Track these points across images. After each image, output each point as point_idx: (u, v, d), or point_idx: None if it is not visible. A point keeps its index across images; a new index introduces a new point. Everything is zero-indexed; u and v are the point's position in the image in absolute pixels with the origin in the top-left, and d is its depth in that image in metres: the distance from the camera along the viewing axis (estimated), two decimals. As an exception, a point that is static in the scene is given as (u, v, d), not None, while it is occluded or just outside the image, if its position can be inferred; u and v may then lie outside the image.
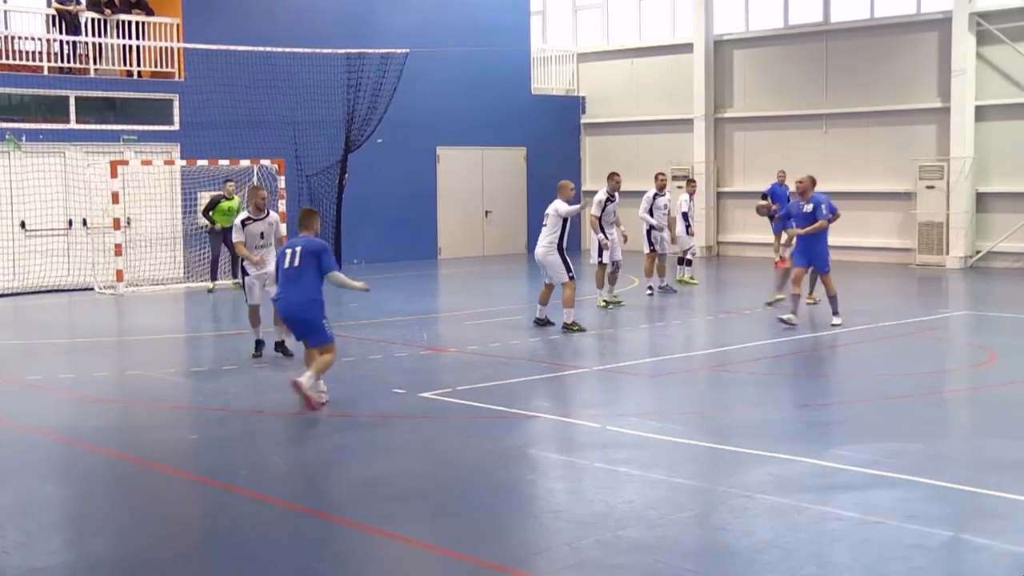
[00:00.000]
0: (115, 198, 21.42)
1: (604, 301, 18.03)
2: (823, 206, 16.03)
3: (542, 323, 16.05)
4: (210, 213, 22.16)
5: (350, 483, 8.59)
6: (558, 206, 15.87)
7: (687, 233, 21.45)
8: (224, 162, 23.00)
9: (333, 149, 25.53)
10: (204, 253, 23.30)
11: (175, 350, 15.59)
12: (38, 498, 8.41)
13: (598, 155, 31.53)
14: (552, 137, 30.69)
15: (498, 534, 7.38)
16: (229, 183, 22.33)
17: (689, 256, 21.91)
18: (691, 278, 21.82)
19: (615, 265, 18.16)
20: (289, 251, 11.24)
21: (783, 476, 8.42)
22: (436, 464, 9.11)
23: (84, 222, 22.59)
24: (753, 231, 27.98)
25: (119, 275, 21.46)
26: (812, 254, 16.19)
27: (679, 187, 23.58)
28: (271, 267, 13.18)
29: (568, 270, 15.78)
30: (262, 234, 14.00)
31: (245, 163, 23.39)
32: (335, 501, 8.14)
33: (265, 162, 23.56)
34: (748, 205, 28.52)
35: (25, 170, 21.96)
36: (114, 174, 21.47)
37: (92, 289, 21.72)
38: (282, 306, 11.37)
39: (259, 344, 13.98)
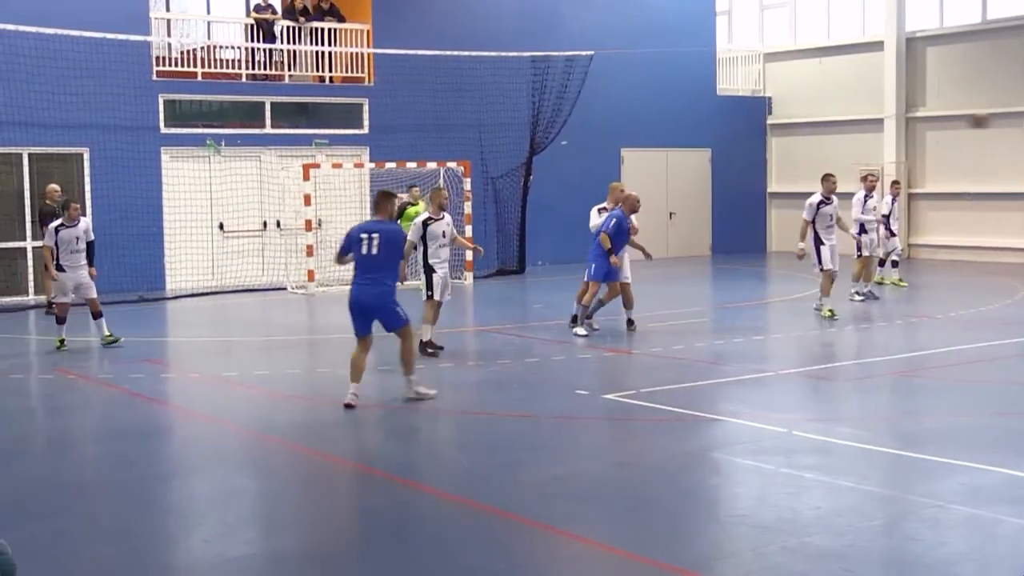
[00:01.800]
0: (307, 200, 22.06)
1: (829, 311, 16.93)
2: None
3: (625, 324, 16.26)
4: (398, 221, 22.30)
5: (533, 483, 8.62)
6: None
7: (891, 235, 20.91)
8: (412, 164, 23.43)
9: (518, 151, 25.74)
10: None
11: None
12: (234, 490, 8.72)
13: (784, 156, 30.98)
14: (737, 138, 30.30)
15: (680, 537, 7.32)
16: (415, 188, 22.38)
17: (895, 257, 21.34)
18: (900, 280, 21.27)
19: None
20: (366, 236, 11.03)
21: (977, 486, 8.12)
22: (619, 466, 9.09)
23: (278, 224, 23.34)
24: (946, 233, 27.08)
25: (310, 275, 22.08)
26: None
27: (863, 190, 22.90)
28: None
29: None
30: (443, 233, 14.20)
31: (432, 165, 23.78)
32: (518, 500, 8.18)
33: (451, 164, 23.91)
34: (942, 207, 27.65)
35: (223, 173, 22.83)
36: (306, 177, 22.12)
37: (285, 288, 22.40)
38: (357, 293, 11.13)
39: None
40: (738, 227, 29.66)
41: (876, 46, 28.58)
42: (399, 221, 22.16)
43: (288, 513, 8.17)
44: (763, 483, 8.51)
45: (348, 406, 11.09)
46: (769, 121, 31.30)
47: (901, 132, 28.23)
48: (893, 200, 21.19)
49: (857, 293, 18.95)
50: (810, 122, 30.19)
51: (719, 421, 10.61)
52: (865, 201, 19.50)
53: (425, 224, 14.32)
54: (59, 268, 15.40)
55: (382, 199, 11.43)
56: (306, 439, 10.34)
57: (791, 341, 15.54)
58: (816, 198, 17.14)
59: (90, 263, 15.52)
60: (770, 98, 31.37)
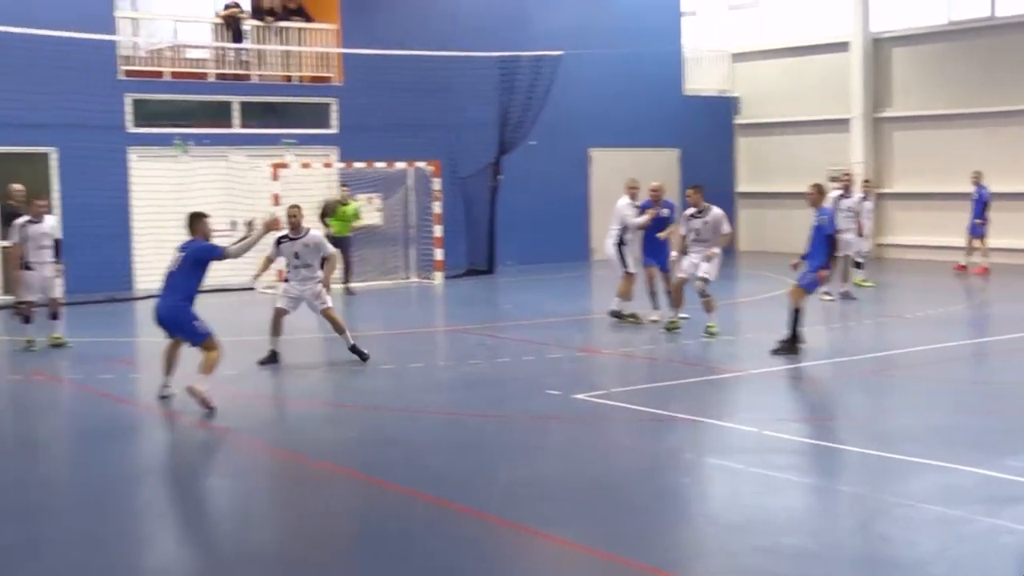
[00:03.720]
0: (275, 200, 21.94)
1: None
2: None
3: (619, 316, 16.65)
4: (326, 219, 21.97)
5: (506, 483, 8.63)
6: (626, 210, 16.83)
7: (858, 235, 20.78)
8: (381, 164, 23.37)
9: (487, 151, 25.72)
10: (362, 253, 23.69)
11: (334, 348, 15.87)
12: (204, 490, 8.69)
13: (752, 156, 31.10)
14: (706, 138, 30.35)
15: (653, 537, 7.33)
16: (344, 187, 22.37)
17: (859, 259, 21.22)
18: (864, 280, 21.29)
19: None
20: (175, 254, 11.70)
21: (949, 486, 8.18)
22: (590, 466, 9.10)
23: (248, 223, 23.15)
24: (914, 233, 27.26)
25: (280, 275, 21.93)
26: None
27: (837, 189, 22.96)
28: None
29: (624, 265, 16.71)
30: (296, 255, 14.20)
31: (401, 165, 23.72)
32: (491, 501, 8.18)
33: (420, 164, 23.86)
34: (909, 207, 27.82)
35: (192, 173, 22.67)
36: (275, 177, 22.02)
37: (254, 289, 22.28)
38: (156, 306, 11.85)
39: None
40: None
41: (843, 47, 28.72)
42: (329, 220, 21.89)
43: (260, 513, 8.14)
44: (734, 483, 8.54)
45: (163, 398, 11.67)
46: (737, 121, 31.40)
47: (869, 132, 28.39)
48: (863, 199, 21.24)
49: (827, 293, 18.97)
50: (778, 122, 30.30)
51: (690, 421, 10.63)
52: (838, 201, 19.54)
53: (279, 242, 14.34)
54: (26, 267, 15.27)
55: (193, 220, 11.99)
56: (277, 439, 10.31)
57: (761, 341, 15.57)
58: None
59: (57, 260, 15.39)
60: (738, 98, 31.47)
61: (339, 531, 7.73)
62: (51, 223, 15.39)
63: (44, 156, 21.52)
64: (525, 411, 11.14)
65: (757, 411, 11.05)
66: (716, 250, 15.79)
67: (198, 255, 11.58)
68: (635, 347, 14.72)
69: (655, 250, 16.74)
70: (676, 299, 16.11)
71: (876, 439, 9.81)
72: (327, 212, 22.12)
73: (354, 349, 13.88)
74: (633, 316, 16.68)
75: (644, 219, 16.56)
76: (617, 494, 8.25)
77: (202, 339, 11.51)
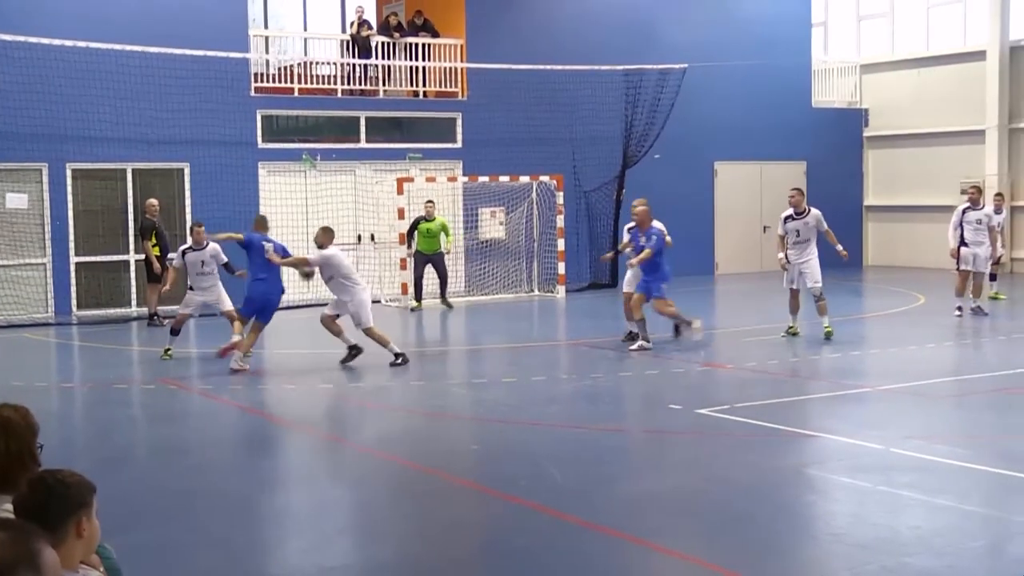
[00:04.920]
0: (401, 214, 22.25)
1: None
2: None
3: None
4: (412, 235, 21.91)
5: (626, 497, 8.61)
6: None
7: (992, 247, 20.28)
8: (504, 178, 23.54)
9: (611, 165, 25.71)
10: (485, 267, 23.90)
11: (457, 361, 16.05)
12: (330, 500, 8.84)
13: (881, 169, 30.52)
14: (833, 151, 29.89)
15: (776, 555, 7.24)
16: (429, 203, 21.98)
17: (993, 271, 20.73)
18: (998, 293, 20.80)
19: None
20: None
21: (1084, 507, 7.92)
22: (712, 481, 9.03)
23: (372, 237, 23.57)
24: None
25: (404, 288, 22.26)
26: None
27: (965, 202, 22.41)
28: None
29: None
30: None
31: (525, 179, 23.86)
32: (611, 514, 8.16)
33: (544, 178, 23.97)
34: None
35: (319, 187, 23.13)
36: (400, 191, 22.32)
37: (379, 302, 22.60)
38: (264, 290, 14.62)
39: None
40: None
41: (978, 55, 28.04)
42: (415, 235, 21.86)
43: (384, 524, 8.25)
44: (860, 501, 8.39)
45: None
46: (866, 133, 30.86)
47: (1004, 143, 27.66)
48: (996, 213, 20.71)
49: (958, 309, 18.53)
50: (909, 134, 29.69)
51: (814, 437, 10.49)
52: (964, 214, 19.07)
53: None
54: (189, 288, 15.99)
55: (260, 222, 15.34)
56: (401, 450, 10.43)
57: (889, 356, 15.30)
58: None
59: (233, 271, 15.99)
60: (867, 110, 30.94)
61: (462, 543, 7.80)
62: (213, 250, 15.94)
63: (179, 171, 22.16)
64: (647, 425, 11.10)
65: (883, 428, 10.82)
66: (840, 248, 16.72)
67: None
68: (759, 362, 14.55)
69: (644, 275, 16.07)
70: (794, 306, 16.56)
71: (1007, 458, 9.53)
72: (413, 228, 22.00)
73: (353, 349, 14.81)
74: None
75: (635, 260, 15.99)
76: (738, 510, 8.17)
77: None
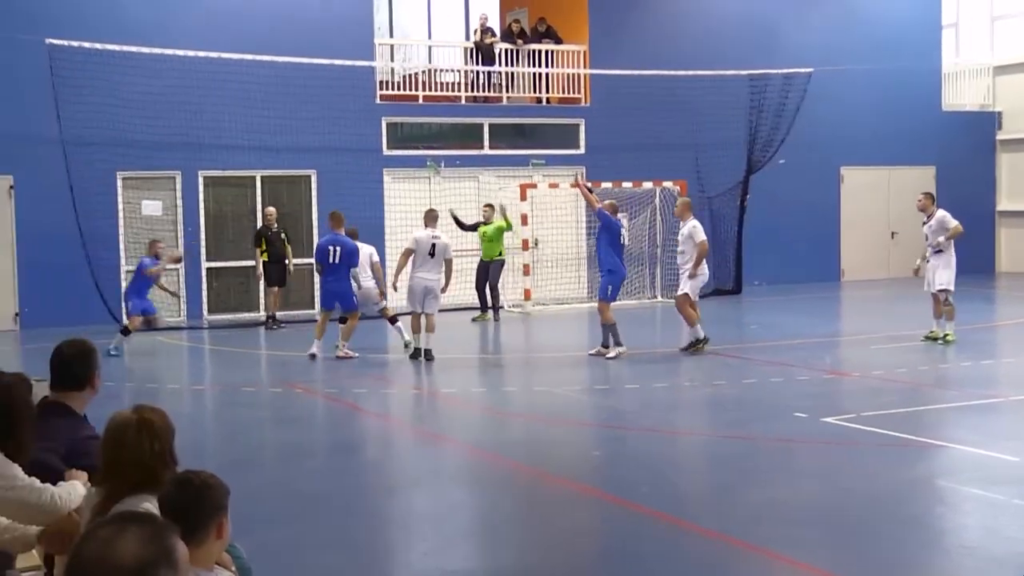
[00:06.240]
0: (524, 220, 22.33)
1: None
2: None
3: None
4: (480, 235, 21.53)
5: (750, 506, 8.51)
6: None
7: None
8: (627, 184, 23.46)
9: (735, 170, 25.46)
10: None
11: (577, 368, 16.02)
12: (452, 505, 8.91)
13: (1015, 173, 29.66)
14: (964, 155, 29.14)
15: (903, 567, 7.10)
16: (487, 207, 21.59)
17: None
18: None
19: None
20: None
21: None
22: (838, 491, 8.88)
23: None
24: None
25: (527, 294, 22.33)
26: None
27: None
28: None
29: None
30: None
31: (648, 185, 23.77)
32: (734, 523, 8.08)
33: (667, 184, 23.85)
34: None
35: (444, 193, 23.32)
36: (523, 197, 22.40)
37: (502, 307, 22.69)
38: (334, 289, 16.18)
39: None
40: (965, 247, 28.40)
41: (1121, 54, 27.13)
42: (481, 237, 21.59)
43: (505, 530, 8.29)
44: (993, 514, 8.17)
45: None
46: (999, 136, 30.05)
47: None
48: None
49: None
50: (1044, 137, 28.84)
51: (945, 448, 10.25)
52: None
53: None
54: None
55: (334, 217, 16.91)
56: (523, 456, 10.46)
57: (1023, 365, 14.86)
58: None
59: (378, 283, 17.33)
60: (1000, 112, 30.12)
61: (582, 550, 7.81)
62: (367, 252, 17.16)
63: (306, 179, 22.56)
64: (771, 433, 10.97)
65: (1017, 439, 10.52)
66: (948, 252, 16.58)
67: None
68: (887, 370, 14.26)
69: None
70: (937, 311, 16.41)
71: None
72: (471, 229, 21.62)
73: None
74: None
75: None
76: (866, 521, 8.01)
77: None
